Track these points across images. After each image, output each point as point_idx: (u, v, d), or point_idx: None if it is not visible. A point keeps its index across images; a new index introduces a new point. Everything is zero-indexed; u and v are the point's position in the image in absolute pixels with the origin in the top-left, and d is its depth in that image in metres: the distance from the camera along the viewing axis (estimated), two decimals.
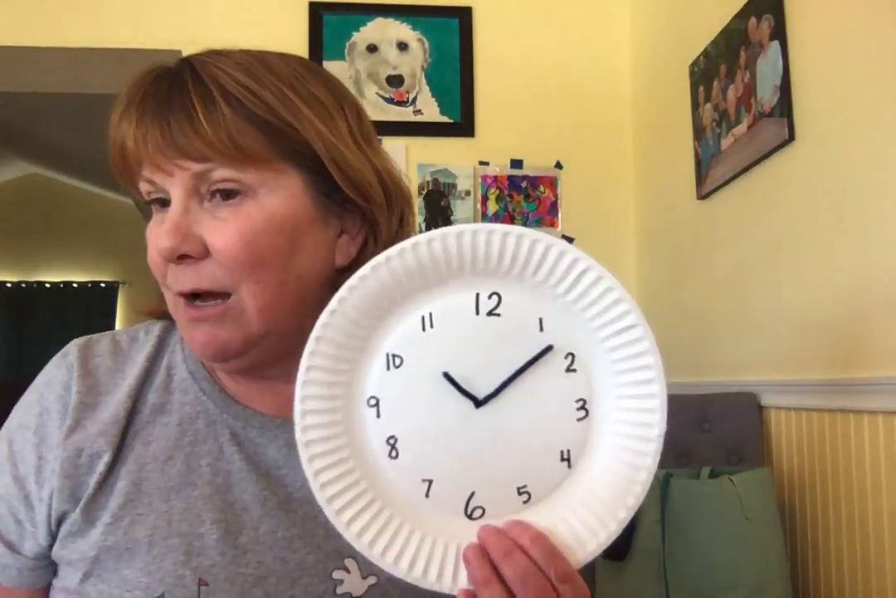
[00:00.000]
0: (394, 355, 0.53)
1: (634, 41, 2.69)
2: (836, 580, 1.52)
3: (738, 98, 1.92)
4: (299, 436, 0.52)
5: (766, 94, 1.77)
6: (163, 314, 0.68)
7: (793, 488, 1.67)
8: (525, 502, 0.53)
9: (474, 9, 2.66)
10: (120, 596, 0.60)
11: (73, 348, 0.67)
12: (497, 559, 0.50)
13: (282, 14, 2.61)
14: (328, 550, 0.64)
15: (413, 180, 2.49)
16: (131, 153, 0.59)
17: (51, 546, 0.64)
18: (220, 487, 0.64)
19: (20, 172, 6.82)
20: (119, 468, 0.63)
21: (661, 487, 1.54)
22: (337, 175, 0.60)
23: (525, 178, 2.57)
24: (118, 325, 7.00)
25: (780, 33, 1.72)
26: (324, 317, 0.52)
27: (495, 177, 2.55)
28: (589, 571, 1.44)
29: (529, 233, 0.52)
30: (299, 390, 0.52)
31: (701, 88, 2.13)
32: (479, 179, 2.55)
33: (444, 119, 2.57)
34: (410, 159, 2.52)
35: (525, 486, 0.53)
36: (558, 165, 2.62)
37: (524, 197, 2.56)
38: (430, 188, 2.52)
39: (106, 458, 0.63)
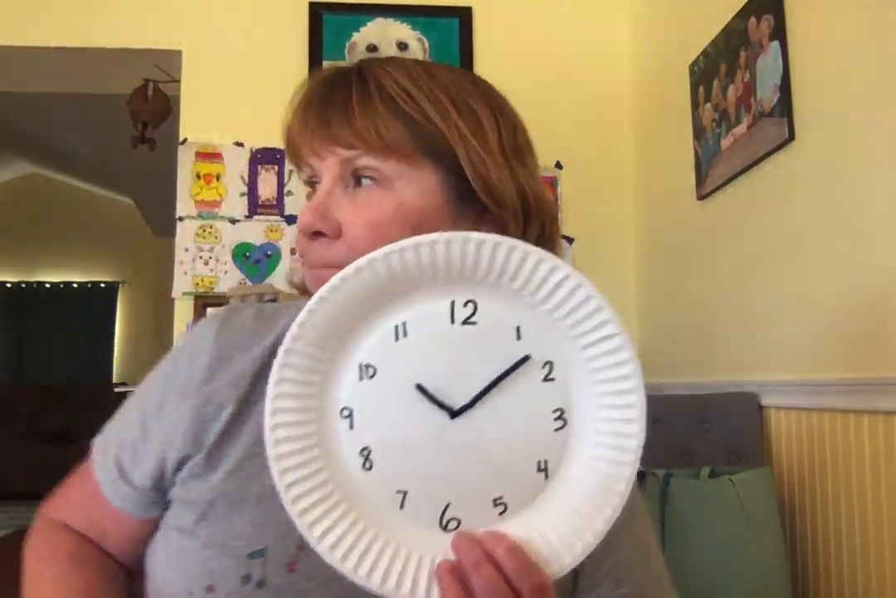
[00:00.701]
0: (367, 366, 0.52)
1: (634, 41, 2.69)
2: (836, 580, 1.52)
3: (738, 98, 1.92)
4: (270, 451, 0.51)
5: (766, 94, 1.77)
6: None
7: (793, 488, 1.67)
8: (501, 513, 0.52)
9: (474, 9, 2.66)
10: (226, 542, 0.63)
11: (221, 311, 0.73)
12: (468, 568, 0.50)
13: (282, 14, 2.61)
14: None
15: None
16: (296, 139, 0.66)
17: (154, 487, 0.67)
18: None
19: (20, 172, 6.82)
20: (244, 423, 0.66)
21: (662, 487, 1.54)
22: (472, 178, 0.63)
23: None
24: (118, 325, 7.00)
25: (780, 33, 1.72)
26: (294, 329, 0.51)
27: None
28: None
29: (506, 241, 0.51)
30: (269, 404, 0.52)
31: (701, 88, 2.13)
32: None
33: None
34: None
35: (501, 497, 0.52)
36: (558, 165, 2.62)
37: None
38: None
39: (230, 409, 0.65)
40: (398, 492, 0.52)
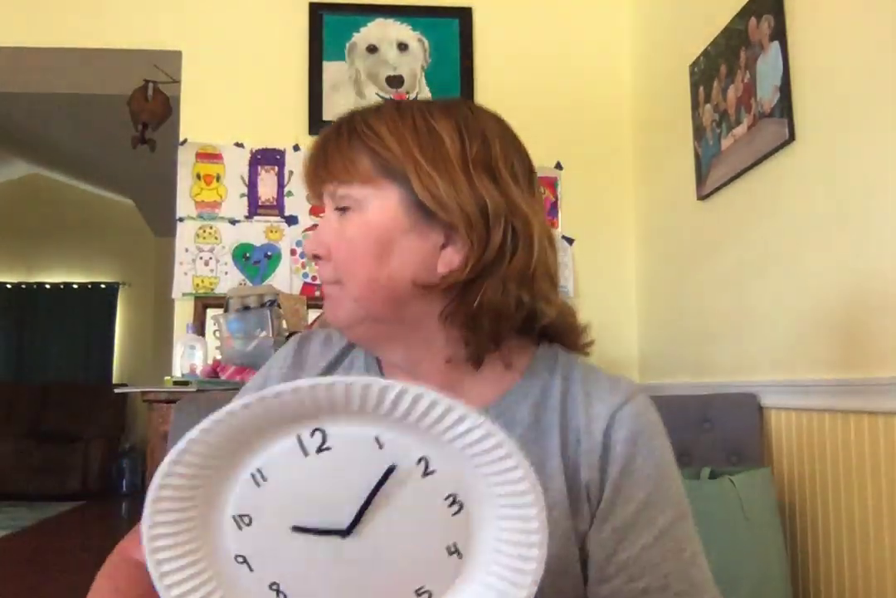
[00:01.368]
0: (240, 516, 0.53)
1: (634, 41, 2.69)
2: (836, 580, 1.52)
3: (738, 98, 1.92)
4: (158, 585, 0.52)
5: (766, 95, 1.77)
6: None
7: (793, 488, 1.67)
8: None
9: (474, 9, 2.66)
10: None
11: (298, 336, 0.88)
12: None
13: (282, 14, 2.61)
14: None
15: None
16: (306, 182, 0.79)
17: None
18: None
19: (20, 172, 6.82)
20: None
21: None
22: (421, 194, 0.70)
23: None
24: (118, 326, 7.01)
25: (780, 33, 1.72)
26: (152, 492, 0.51)
27: None
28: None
29: (340, 380, 0.50)
30: (147, 543, 0.52)
31: (701, 88, 2.13)
32: None
33: None
34: None
35: (423, 586, 0.53)
36: (558, 166, 2.62)
37: None
38: None
39: None
40: None
